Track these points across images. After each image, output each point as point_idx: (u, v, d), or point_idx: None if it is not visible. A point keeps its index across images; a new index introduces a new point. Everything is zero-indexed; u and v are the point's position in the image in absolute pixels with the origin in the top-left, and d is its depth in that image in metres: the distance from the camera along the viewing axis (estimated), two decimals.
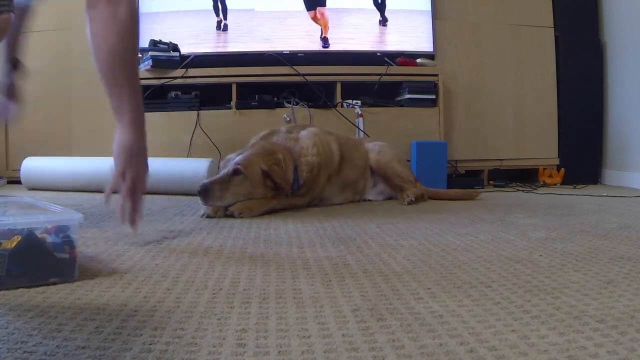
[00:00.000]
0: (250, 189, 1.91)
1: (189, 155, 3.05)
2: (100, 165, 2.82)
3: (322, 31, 3.37)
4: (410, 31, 3.43)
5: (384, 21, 3.40)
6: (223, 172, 1.93)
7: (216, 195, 1.85)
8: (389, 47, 3.40)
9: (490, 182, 3.32)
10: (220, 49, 3.36)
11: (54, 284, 0.94)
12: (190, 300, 0.87)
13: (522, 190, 2.95)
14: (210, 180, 1.89)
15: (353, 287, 0.95)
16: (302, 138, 2.13)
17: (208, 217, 1.83)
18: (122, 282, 0.97)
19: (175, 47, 3.16)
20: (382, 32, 3.42)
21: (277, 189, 1.95)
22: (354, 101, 3.17)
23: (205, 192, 1.84)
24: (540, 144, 3.45)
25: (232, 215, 1.84)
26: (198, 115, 3.08)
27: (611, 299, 0.86)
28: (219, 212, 1.85)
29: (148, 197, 2.55)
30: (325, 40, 3.37)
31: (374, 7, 3.40)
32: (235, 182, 1.89)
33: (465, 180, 3.20)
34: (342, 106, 3.15)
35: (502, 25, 3.44)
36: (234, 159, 1.97)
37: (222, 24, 3.35)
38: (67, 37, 3.31)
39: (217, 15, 3.36)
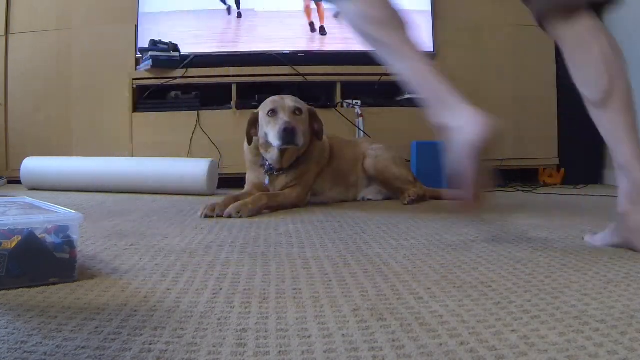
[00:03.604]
0: (306, 127, 2.11)
1: (189, 155, 3.05)
2: (101, 165, 2.82)
3: (318, 20, 3.39)
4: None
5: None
6: (282, 115, 2.06)
7: (298, 134, 2.03)
8: None
9: None
10: (220, 48, 3.36)
11: (54, 284, 0.94)
12: (190, 300, 0.87)
13: (522, 190, 2.95)
14: (287, 120, 2.03)
15: (353, 287, 0.95)
16: None
17: (207, 217, 1.83)
18: (122, 282, 0.97)
19: (175, 47, 3.16)
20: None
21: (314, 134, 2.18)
22: (354, 101, 3.17)
23: (291, 130, 2.01)
24: (540, 144, 3.45)
25: (229, 216, 1.84)
26: (198, 115, 3.08)
27: (611, 299, 0.85)
28: (217, 211, 1.86)
29: (148, 197, 2.56)
30: (322, 30, 3.37)
31: None
32: (301, 119, 2.09)
33: None
34: (342, 106, 3.15)
35: (502, 26, 3.43)
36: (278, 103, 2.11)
37: (236, 12, 3.36)
38: (67, 37, 3.31)
39: (238, 7, 3.37)
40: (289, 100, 2.12)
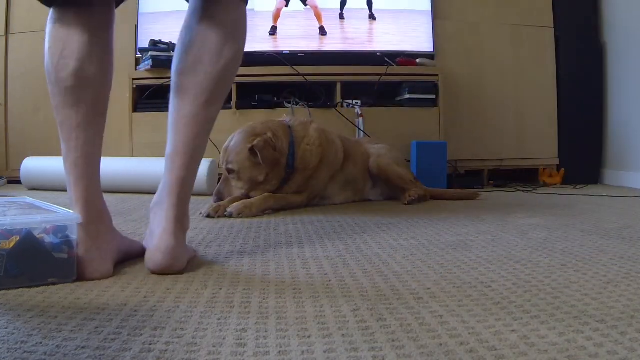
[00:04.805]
0: (250, 176, 2.00)
1: None
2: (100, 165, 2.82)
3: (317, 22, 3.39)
4: (410, 31, 3.43)
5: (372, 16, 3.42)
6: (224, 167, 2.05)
7: (226, 196, 2.02)
8: (389, 47, 3.40)
9: (490, 182, 3.32)
10: None
11: (53, 284, 0.94)
12: (190, 300, 0.87)
13: (522, 190, 2.95)
14: (218, 185, 2.06)
15: (353, 287, 0.95)
16: (311, 128, 2.19)
17: (208, 216, 1.83)
18: (122, 282, 0.97)
19: (175, 47, 3.15)
20: (378, 30, 3.42)
21: (273, 164, 2.00)
22: (354, 101, 3.17)
23: (219, 199, 2.01)
24: (540, 144, 3.45)
25: (231, 216, 1.84)
26: None
27: (611, 299, 0.85)
28: (219, 212, 1.85)
29: (148, 197, 2.55)
30: (322, 30, 3.37)
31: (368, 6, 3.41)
32: (235, 179, 2.02)
33: (465, 180, 3.20)
34: (342, 106, 3.14)
35: (502, 25, 3.43)
36: (231, 139, 2.07)
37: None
38: None
39: None
40: (224, 158, 2.04)
